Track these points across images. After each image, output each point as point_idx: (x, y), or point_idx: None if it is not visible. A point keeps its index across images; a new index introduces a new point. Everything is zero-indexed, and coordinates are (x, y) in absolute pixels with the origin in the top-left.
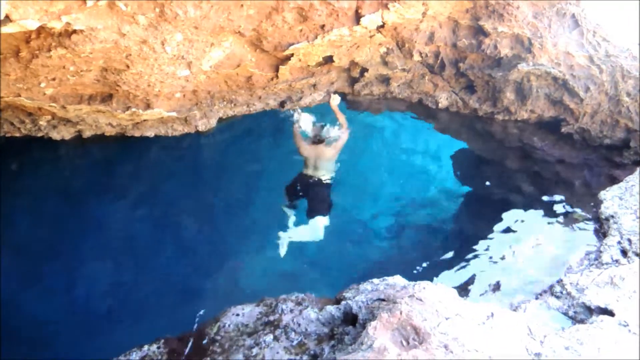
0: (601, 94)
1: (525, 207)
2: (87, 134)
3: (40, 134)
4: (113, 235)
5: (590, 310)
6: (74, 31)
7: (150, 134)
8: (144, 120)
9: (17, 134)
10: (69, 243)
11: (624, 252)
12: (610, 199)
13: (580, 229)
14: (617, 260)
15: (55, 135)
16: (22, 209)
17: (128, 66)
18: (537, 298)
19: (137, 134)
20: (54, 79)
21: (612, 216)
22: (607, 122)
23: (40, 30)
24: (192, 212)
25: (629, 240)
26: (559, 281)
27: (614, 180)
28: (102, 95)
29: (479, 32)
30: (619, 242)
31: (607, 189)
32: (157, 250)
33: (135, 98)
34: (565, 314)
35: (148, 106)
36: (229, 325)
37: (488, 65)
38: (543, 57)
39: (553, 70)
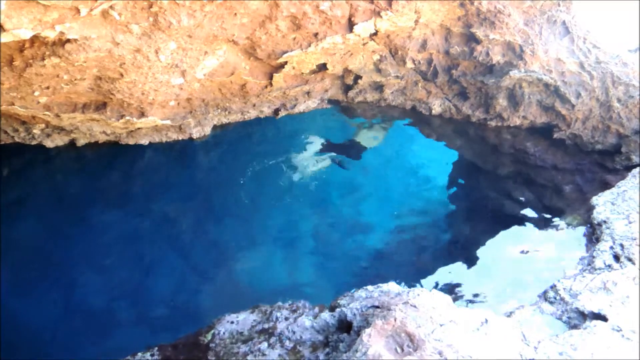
0: (592, 100)
1: (519, 212)
2: (81, 142)
3: (34, 142)
4: (107, 241)
5: (583, 316)
6: (68, 40)
7: (144, 141)
8: (138, 129)
9: (10, 142)
10: (63, 250)
11: (617, 257)
12: (603, 204)
13: (573, 234)
14: (609, 265)
15: (49, 143)
16: (18, 215)
17: (122, 75)
18: (531, 304)
19: (131, 142)
20: (47, 88)
21: (605, 221)
22: (598, 127)
23: (34, 39)
24: (187, 218)
25: (621, 246)
26: (553, 286)
27: (606, 186)
28: (97, 103)
29: (471, 39)
30: (612, 247)
31: (600, 194)
32: (151, 257)
33: (130, 106)
34: (559, 319)
35: (142, 114)
36: (223, 333)
37: (480, 72)
38: (534, 64)
39: (544, 76)
